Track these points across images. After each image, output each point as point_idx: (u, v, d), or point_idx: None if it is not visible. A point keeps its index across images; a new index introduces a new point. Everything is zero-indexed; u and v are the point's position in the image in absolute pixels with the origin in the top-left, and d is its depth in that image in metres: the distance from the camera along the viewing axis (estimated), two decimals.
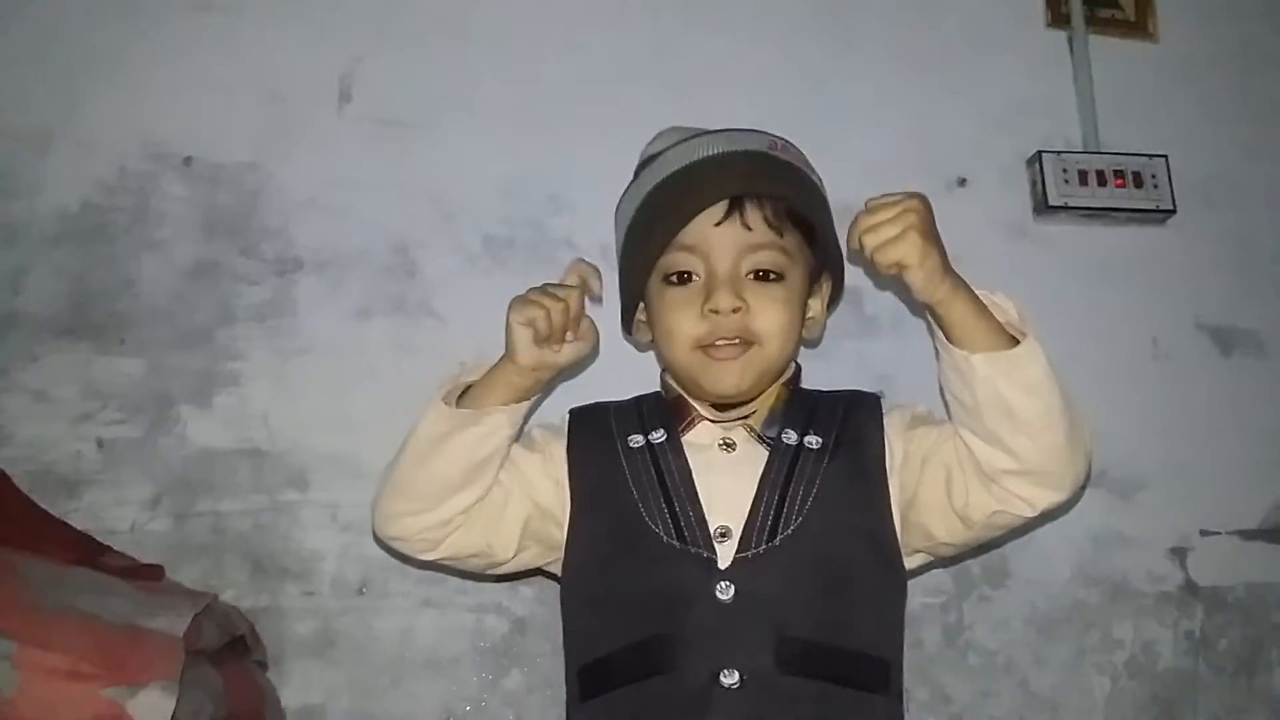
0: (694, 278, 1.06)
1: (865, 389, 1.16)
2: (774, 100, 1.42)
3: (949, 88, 1.50)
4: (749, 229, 1.05)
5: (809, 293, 1.12)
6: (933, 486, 1.03)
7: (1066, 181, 1.45)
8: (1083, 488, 1.07)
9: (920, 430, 1.07)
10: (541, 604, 1.26)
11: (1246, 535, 1.41)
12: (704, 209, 1.04)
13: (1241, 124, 1.55)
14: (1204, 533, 1.40)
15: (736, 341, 1.04)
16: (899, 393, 1.31)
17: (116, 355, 1.28)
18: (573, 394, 1.20)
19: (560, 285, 1.05)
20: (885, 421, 1.09)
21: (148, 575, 1.04)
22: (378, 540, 1.14)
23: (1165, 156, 1.48)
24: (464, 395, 1.04)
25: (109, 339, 1.29)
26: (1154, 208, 1.47)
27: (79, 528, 1.15)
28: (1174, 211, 1.47)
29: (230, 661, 1.02)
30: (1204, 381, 1.46)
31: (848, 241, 0.99)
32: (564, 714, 1.07)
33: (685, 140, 1.10)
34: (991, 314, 0.97)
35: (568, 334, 1.04)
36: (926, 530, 1.06)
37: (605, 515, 1.06)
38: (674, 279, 1.07)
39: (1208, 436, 1.43)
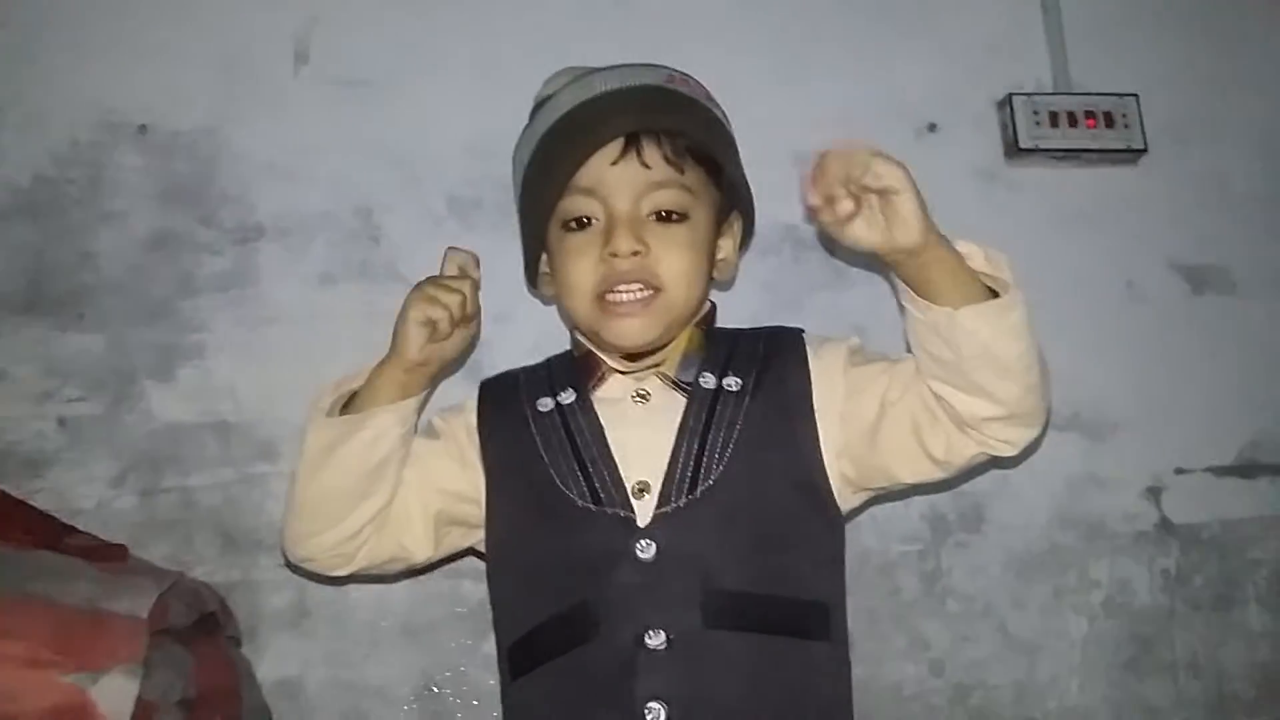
0: (593, 222, 1.02)
1: (836, 335, 1.13)
2: (737, 48, 1.40)
3: (916, 31, 1.47)
4: (647, 167, 1.00)
5: (717, 232, 1.08)
6: (896, 433, 0.99)
7: (1038, 124, 1.43)
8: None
9: (868, 369, 1.03)
10: None
11: (1220, 472, 1.41)
12: (599, 148, 0.99)
13: (1212, 60, 1.52)
14: (1178, 471, 1.40)
15: (639, 291, 1.00)
16: (874, 342, 1.31)
17: (76, 331, 1.27)
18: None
19: (451, 279, 1.01)
20: (812, 357, 1.05)
21: (111, 556, 1.03)
22: (289, 566, 1.14)
23: (1136, 95, 1.46)
24: (350, 403, 1.01)
25: (67, 314, 1.27)
26: (1125, 148, 1.45)
27: (44, 508, 1.13)
28: (1145, 151, 1.45)
29: (201, 639, 1.00)
30: (1177, 321, 1.45)
31: (811, 189, 0.91)
32: None
33: (578, 79, 1.05)
34: (965, 264, 0.93)
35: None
36: (888, 472, 1.02)
37: (519, 486, 1.03)
38: (572, 225, 1.02)
39: (1181, 376, 1.43)
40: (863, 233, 0.91)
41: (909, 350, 0.99)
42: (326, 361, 1.25)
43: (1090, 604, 1.35)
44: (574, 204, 1.02)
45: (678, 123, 1.02)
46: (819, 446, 1.01)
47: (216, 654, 1.04)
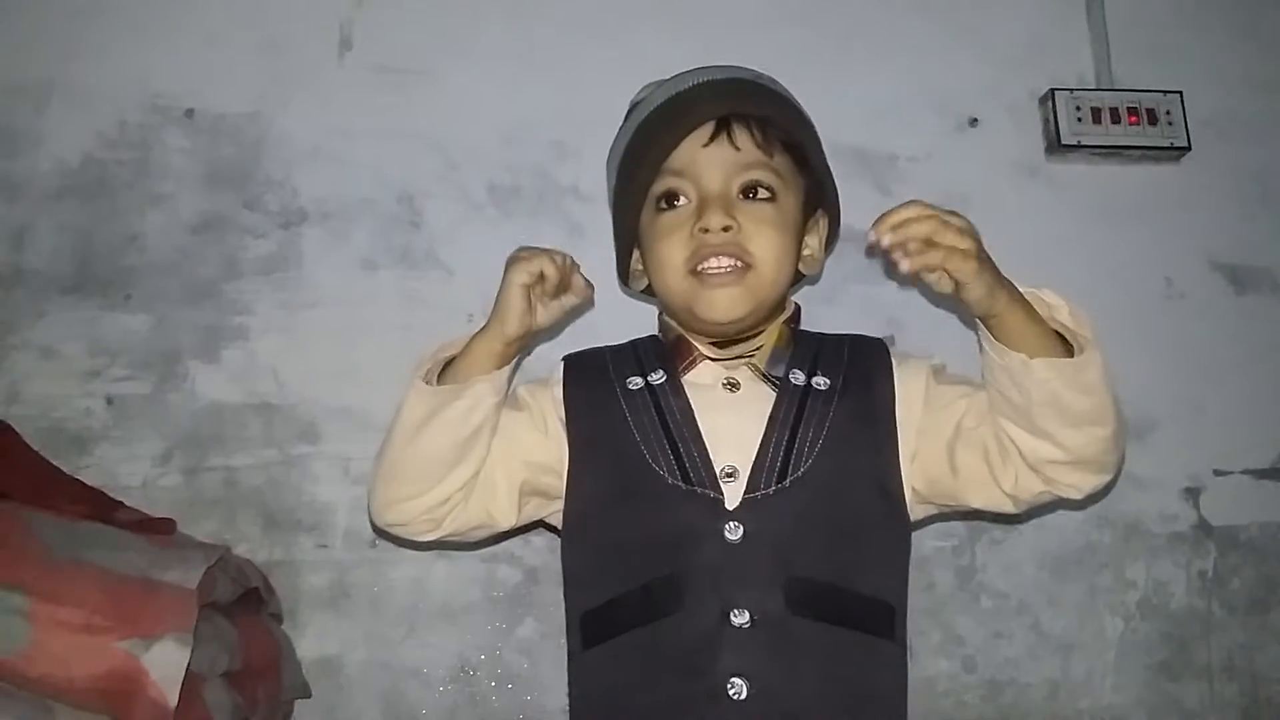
0: (684, 200, 1.03)
1: (873, 334, 1.13)
2: (780, 41, 1.39)
3: (959, 25, 1.47)
4: (738, 149, 1.02)
5: (804, 226, 1.09)
6: (970, 459, 1.01)
7: (1079, 120, 1.42)
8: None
9: (950, 390, 1.04)
10: (553, 553, 1.24)
11: (1259, 475, 1.40)
12: (692, 130, 1.02)
13: (1256, 58, 1.51)
14: (1217, 472, 1.39)
15: (730, 264, 1.01)
16: (909, 337, 1.31)
17: (123, 311, 1.29)
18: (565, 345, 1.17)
19: (549, 248, 1.01)
20: (896, 367, 1.06)
21: (159, 529, 1.04)
22: (376, 530, 1.14)
23: (1180, 92, 1.45)
24: (445, 369, 1.01)
25: (115, 295, 1.29)
26: (1168, 145, 1.44)
27: (91, 484, 1.15)
28: (1188, 149, 1.44)
29: (244, 614, 1.02)
30: (1217, 320, 1.43)
31: (890, 225, 0.90)
32: None
33: (670, 80, 1.08)
34: (1042, 319, 0.94)
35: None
36: (957, 495, 1.04)
37: (606, 460, 1.03)
38: (663, 204, 1.04)
39: (1221, 376, 1.41)
40: (937, 286, 0.93)
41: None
42: (366, 345, 1.29)
43: (1126, 604, 1.34)
44: (665, 184, 1.04)
45: (767, 111, 1.05)
46: (898, 455, 1.03)
47: (259, 629, 1.05)
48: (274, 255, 1.32)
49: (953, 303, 0.95)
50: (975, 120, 1.45)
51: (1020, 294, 0.93)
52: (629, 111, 1.12)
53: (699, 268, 1.01)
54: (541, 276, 0.98)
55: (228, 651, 0.92)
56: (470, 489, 1.02)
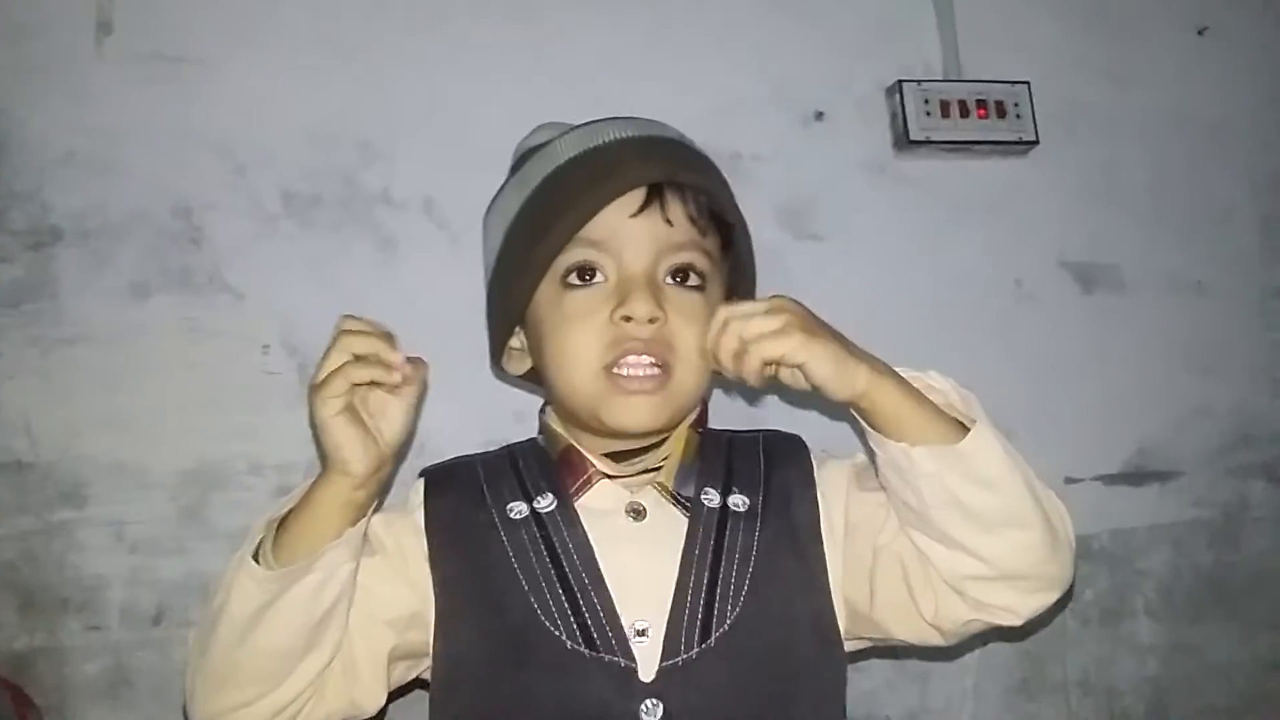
0: (599, 278, 0.88)
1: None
2: (617, 31, 1.30)
3: (803, 13, 1.37)
4: (670, 223, 0.88)
5: None
6: (890, 585, 0.88)
7: (928, 114, 1.36)
8: (1071, 582, 0.90)
9: (870, 498, 0.90)
10: None
11: (1109, 480, 1.38)
12: (621, 194, 0.87)
13: (1103, 47, 1.47)
14: (1068, 480, 1.36)
15: (650, 365, 0.87)
16: (770, 413, 1.21)
17: None
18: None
19: (347, 356, 0.79)
20: (816, 472, 0.93)
21: None
22: None
23: (1027, 83, 1.40)
24: (281, 525, 0.81)
25: None
26: (1016, 139, 1.39)
27: None
28: (1036, 142, 1.40)
29: None
30: (1066, 322, 1.40)
31: (713, 353, 0.84)
32: None
33: (580, 127, 0.92)
34: (927, 398, 0.82)
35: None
36: (886, 631, 0.91)
37: (485, 612, 0.86)
38: (574, 280, 0.88)
39: (1070, 379, 1.39)
40: (792, 381, 0.83)
41: None
42: (141, 387, 1.15)
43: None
44: (579, 255, 0.88)
45: (703, 181, 0.90)
46: (829, 585, 0.90)
47: None
48: (21, 282, 1.14)
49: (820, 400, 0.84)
50: (821, 114, 1.37)
51: (892, 371, 0.82)
52: (521, 158, 0.96)
53: (615, 368, 0.86)
54: (353, 389, 0.79)
55: None
56: (324, 677, 0.83)
